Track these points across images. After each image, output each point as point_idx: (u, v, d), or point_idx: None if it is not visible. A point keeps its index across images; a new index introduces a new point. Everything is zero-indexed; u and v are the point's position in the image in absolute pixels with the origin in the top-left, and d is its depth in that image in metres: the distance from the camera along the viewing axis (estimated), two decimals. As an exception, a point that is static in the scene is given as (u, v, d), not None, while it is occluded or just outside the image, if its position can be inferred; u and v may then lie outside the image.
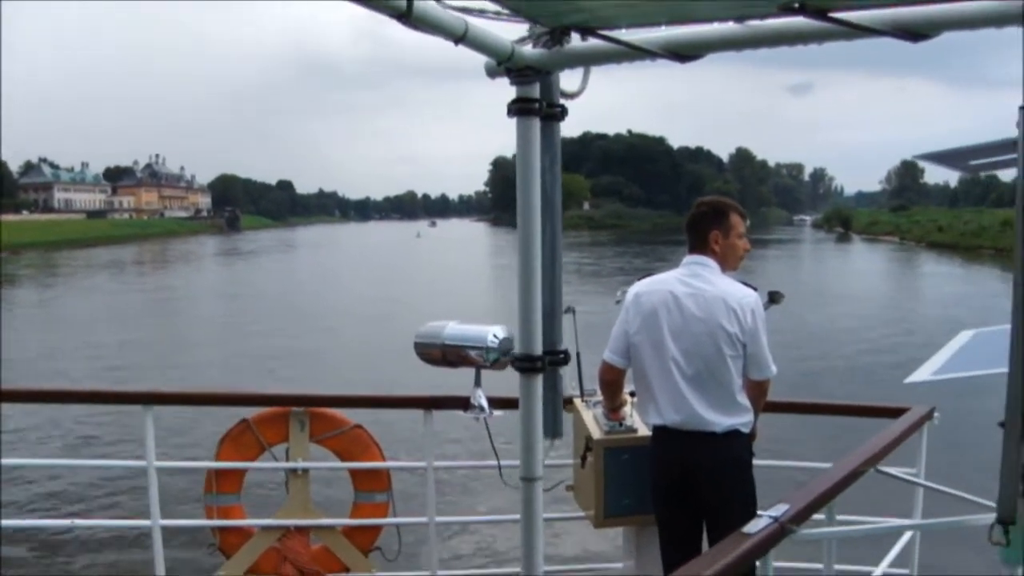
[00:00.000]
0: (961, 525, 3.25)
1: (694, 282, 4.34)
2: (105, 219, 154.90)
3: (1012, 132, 2.51)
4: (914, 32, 2.21)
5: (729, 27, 2.41)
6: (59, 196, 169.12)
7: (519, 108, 2.67)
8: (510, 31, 2.58)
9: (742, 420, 4.33)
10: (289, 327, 30.43)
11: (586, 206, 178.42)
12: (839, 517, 3.73)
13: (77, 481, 11.87)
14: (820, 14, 2.16)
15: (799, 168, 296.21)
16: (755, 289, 4.44)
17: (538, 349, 2.79)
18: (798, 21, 2.25)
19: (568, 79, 2.87)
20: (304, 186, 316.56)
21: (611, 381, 4.58)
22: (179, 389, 6.20)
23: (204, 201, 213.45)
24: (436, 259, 75.88)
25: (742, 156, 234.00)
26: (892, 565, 4.96)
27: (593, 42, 2.56)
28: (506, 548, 8.99)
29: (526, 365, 2.81)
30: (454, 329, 4.61)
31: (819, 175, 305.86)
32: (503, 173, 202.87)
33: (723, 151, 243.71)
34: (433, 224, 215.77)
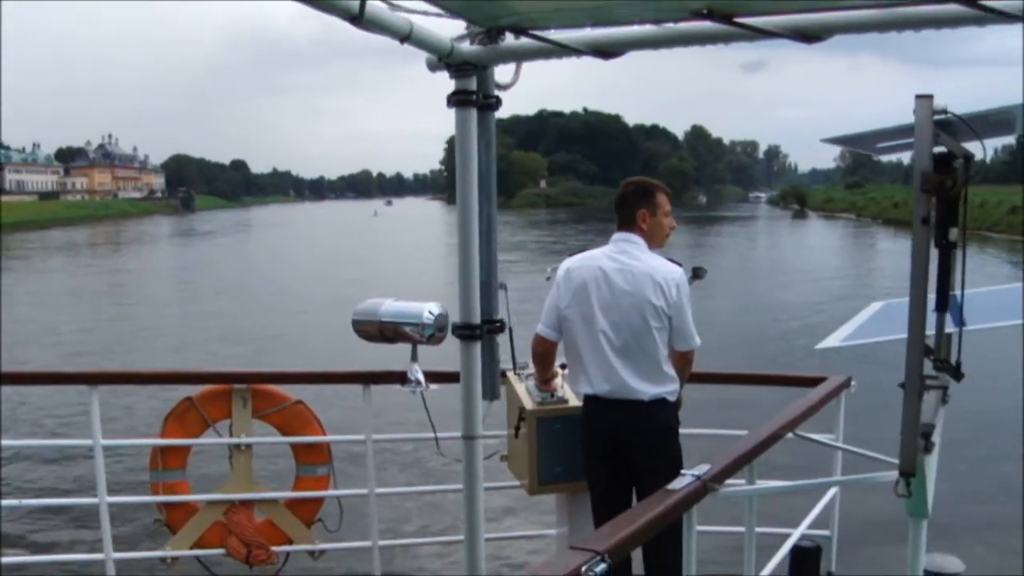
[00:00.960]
0: (870, 482, 3.44)
1: (622, 258, 4.52)
2: (58, 201, 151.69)
3: (958, 109, 2.72)
4: (809, 35, 2.39)
5: (647, 29, 2.61)
6: (10, 178, 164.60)
7: (458, 99, 2.86)
8: (450, 29, 2.76)
9: (668, 389, 4.53)
10: (250, 310, 30.17)
11: (543, 184, 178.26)
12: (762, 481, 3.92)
13: (24, 461, 11.85)
14: (726, 19, 2.35)
15: (754, 145, 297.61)
16: (680, 265, 4.62)
17: (476, 318, 2.95)
18: (706, 25, 2.44)
19: (502, 72, 3.04)
20: (258, 166, 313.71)
21: (543, 353, 4.74)
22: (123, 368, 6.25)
23: (158, 182, 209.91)
24: (393, 238, 75.50)
25: (697, 133, 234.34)
26: (812, 526, 5.18)
27: (525, 40, 2.73)
28: (445, 518, 9.16)
29: (466, 333, 2.98)
30: (391, 306, 4.74)
31: (773, 152, 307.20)
32: None
33: (679, 129, 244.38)
34: (389, 203, 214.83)
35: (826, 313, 26.07)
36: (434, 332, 4.76)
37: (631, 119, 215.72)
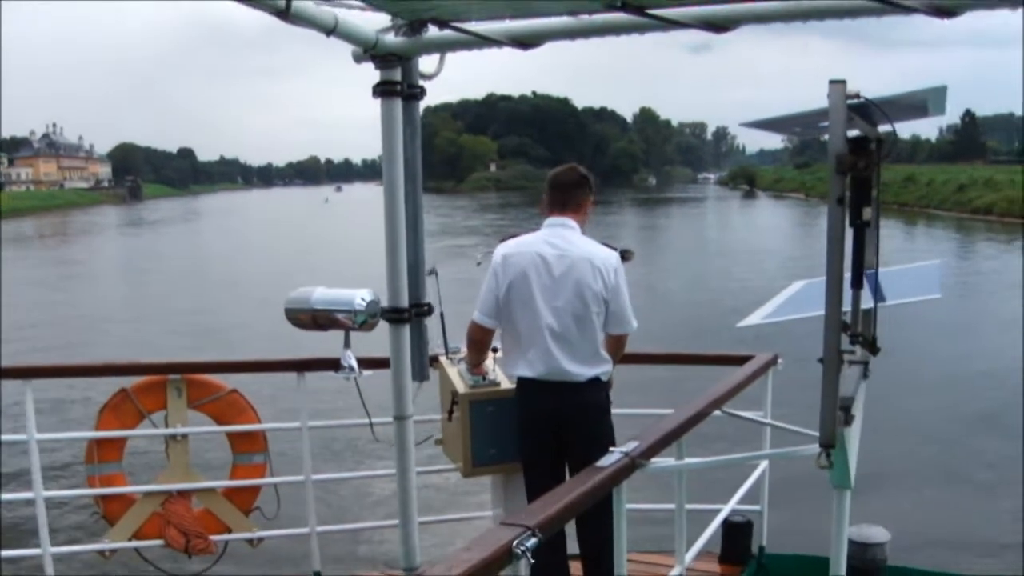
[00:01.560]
0: (794, 455, 3.50)
1: (559, 243, 4.59)
2: (2, 191, 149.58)
3: (902, 89, 2.80)
4: (716, 25, 2.46)
5: (564, 20, 2.67)
6: None
7: (383, 90, 2.90)
8: (375, 22, 2.80)
9: (603, 370, 4.63)
10: (204, 301, 29.69)
11: (493, 167, 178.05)
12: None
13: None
14: (638, 10, 2.41)
15: (702, 127, 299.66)
16: (624, 252, 4.73)
17: (404, 302, 2.99)
18: (621, 16, 2.51)
19: (427, 63, 3.08)
20: (205, 153, 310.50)
21: (480, 341, 4.79)
22: (56, 362, 6.19)
23: (104, 171, 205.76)
24: (346, 224, 75.07)
25: (646, 116, 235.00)
26: (744, 501, 5.29)
27: (448, 32, 2.77)
28: (381, 501, 9.19)
29: (394, 316, 3.02)
30: (322, 294, 4.77)
31: (721, 134, 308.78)
32: None
33: (627, 111, 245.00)
34: (339, 189, 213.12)
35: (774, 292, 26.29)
36: (366, 319, 4.80)
37: (580, 102, 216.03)
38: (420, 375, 3.23)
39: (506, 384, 4.95)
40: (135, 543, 5.33)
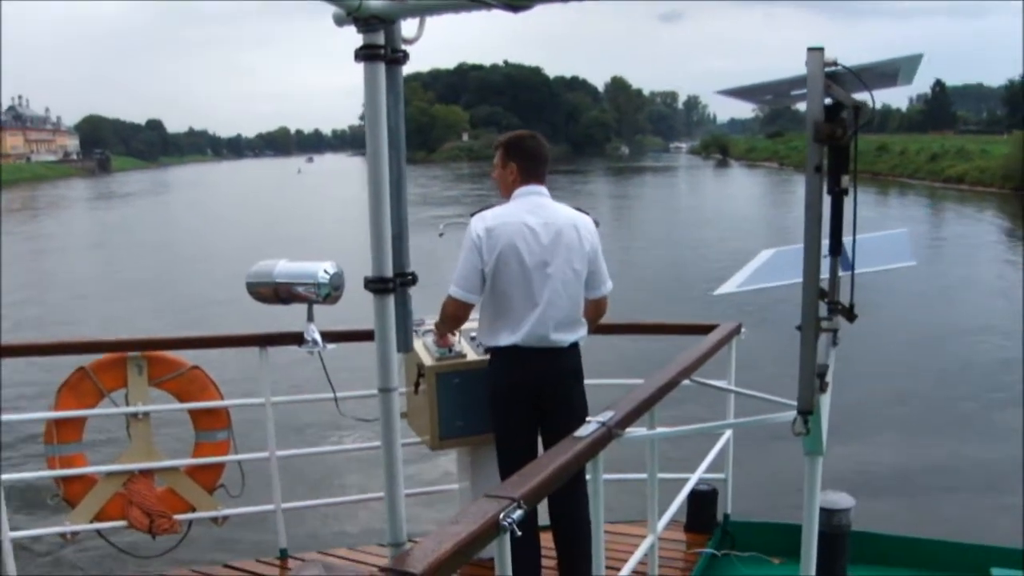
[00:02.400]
0: (768, 422, 3.51)
1: (542, 212, 4.57)
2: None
3: (873, 57, 2.76)
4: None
5: None
6: None
7: (366, 54, 2.85)
8: None
9: (582, 334, 4.66)
10: (178, 276, 29.35)
11: (465, 137, 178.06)
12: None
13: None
14: None
15: (673, 96, 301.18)
16: (587, 214, 4.72)
17: (389, 271, 2.94)
18: None
19: (409, 27, 3.00)
20: (174, 125, 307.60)
21: (458, 317, 4.69)
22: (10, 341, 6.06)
23: (72, 143, 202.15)
24: (320, 195, 74.85)
25: (617, 85, 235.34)
26: (709, 470, 5.28)
27: None
28: (346, 477, 9.15)
29: (379, 286, 2.98)
30: (285, 267, 4.69)
31: (693, 103, 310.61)
32: None
33: (599, 80, 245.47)
34: (310, 160, 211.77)
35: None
36: (330, 292, 4.72)
37: (551, 71, 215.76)
38: (404, 346, 3.18)
39: (472, 356, 4.94)
40: (97, 525, 5.24)
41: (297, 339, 4.81)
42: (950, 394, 14.15)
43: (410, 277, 3.18)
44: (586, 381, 4.75)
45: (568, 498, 4.47)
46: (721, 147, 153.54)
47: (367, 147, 2.96)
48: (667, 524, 5.29)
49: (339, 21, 2.84)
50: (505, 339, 4.57)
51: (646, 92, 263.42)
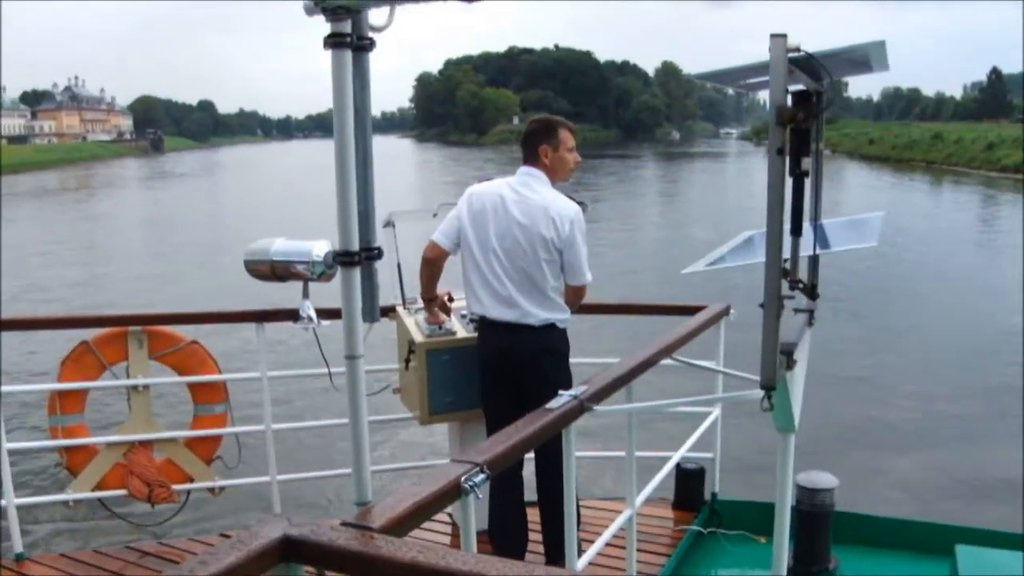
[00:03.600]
0: (740, 399, 3.67)
1: (523, 190, 4.68)
2: (28, 144, 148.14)
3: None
4: None
5: None
6: None
7: (333, 42, 2.94)
8: None
9: (558, 316, 4.72)
10: (233, 258, 29.58)
11: (516, 120, 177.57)
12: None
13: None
14: None
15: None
16: (581, 204, 4.78)
17: (355, 245, 3.06)
18: None
19: (377, 16, 3.11)
20: (225, 106, 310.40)
21: (433, 259, 4.82)
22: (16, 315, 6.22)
23: (126, 123, 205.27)
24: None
25: (668, 69, 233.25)
26: (698, 449, 5.34)
27: None
28: (340, 451, 9.24)
29: (345, 259, 3.12)
30: (281, 245, 4.78)
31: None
32: (429, 90, 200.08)
33: (648, 64, 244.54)
34: None
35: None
36: (324, 269, 4.82)
37: (602, 55, 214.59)
38: (371, 316, 3.30)
39: (462, 333, 5.05)
40: (98, 493, 5.39)
41: (293, 315, 4.93)
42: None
43: (376, 251, 3.29)
44: (584, 360, 4.92)
45: (548, 472, 4.58)
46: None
47: (334, 128, 3.07)
48: (654, 501, 5.41)
49: (308, 11, 2.95)
50: (475, 307, 4.75)
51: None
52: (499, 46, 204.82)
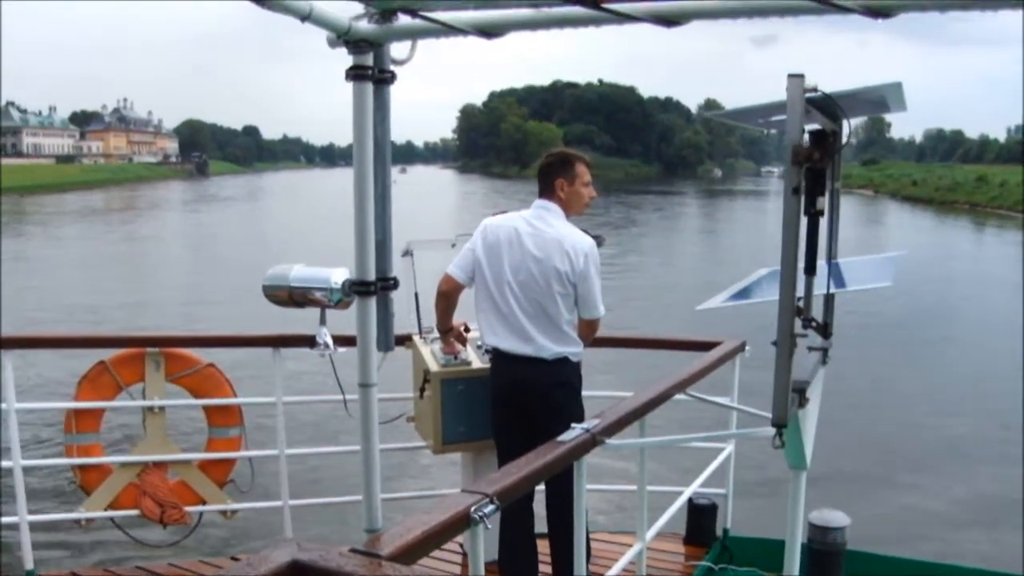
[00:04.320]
0: (751, 436, 3.72)
1: (537, 223, 4.69)
2: (75, 164, 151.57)
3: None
4: (669, 20, 2.53)
5: (525, 11, 2.74)
6: (28, 140, 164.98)
7: (355, 74, 3.02)
8: (348, 10, 2.89)
9: (571, 349, 4.70)
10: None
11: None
12: None
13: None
14: (593, 4, 2.51)
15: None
16: (596, 238, 4.78)
17: (371, 275, 3.09)
18: (578, 9, 2.59)
19: (399, 49, 3.15)
20: (269, 132, 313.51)
21: (448, 292, 4.83)
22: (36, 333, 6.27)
23: (172, 146, 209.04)
24: (415, 206, 75.35)
25: (711, 106, 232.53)
26: (711, 485, 5.31)
27: (417, 20, 2.85)
28: (352, 477, 9.20)
29: (361, 289, 3.16)
30: (300, 271, 4.83)
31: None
32: (472, 121, 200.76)
33: (691, 101, 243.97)
34: (403, 171, 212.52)
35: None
36: (342, 297, 4.85)
37: (645, 91, 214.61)
38: (385, 345, 3.33)
39: (477, 364, 5.07)
40: (111, 513, 5.40)
41: (309, 341, 4.96)
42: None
43: (391, 281, 3.32)
44: (597, 393, 4.94)
45: (559, 504, 4.53)
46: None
47: (354, 159, 3.12)
48: (666, 536, 5.38)
49: (331, 43, 3.01)
50: (490, 339, 4.75)
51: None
52: (543, 79, 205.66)
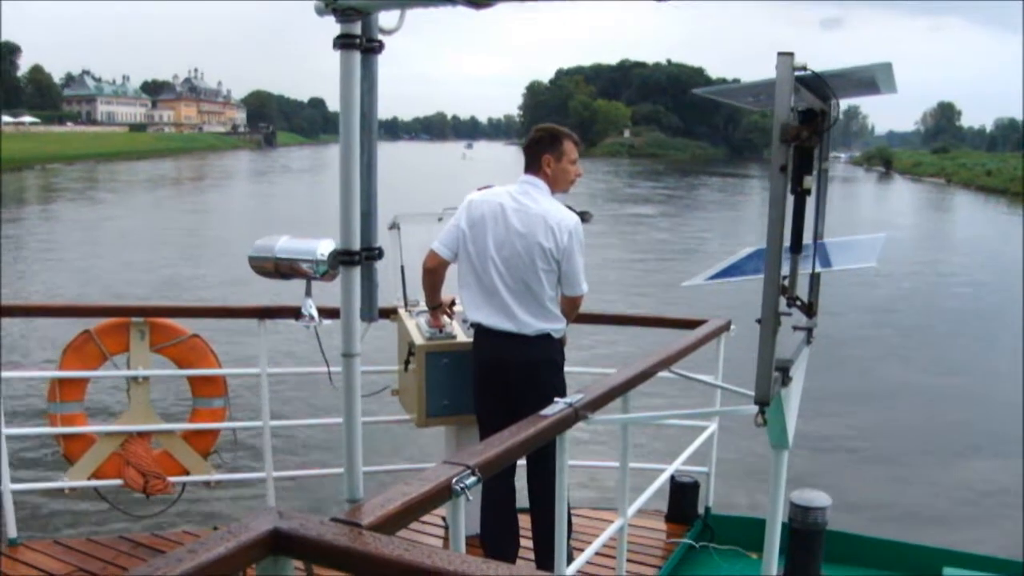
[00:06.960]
0: (734, 413, 3.72)
1: (522, 199, 4.67)
2: (147, 132, 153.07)
3: None
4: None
5: None
6: (102, 109, 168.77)
7: (342, 43, 2.96)
8: None
9: (553, 326, 4.71)
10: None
11: (627, 134, 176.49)
12: None
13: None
14: None
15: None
16: (582, 215, 4.78)
17: (356, 245, 3.08)
18: None
19: (388, 18, 3.13)
20: (334, 103, 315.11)
21: (432, 269, 4.82)
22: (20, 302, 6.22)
23: (240, 117, 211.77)
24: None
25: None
26: (693, 463, 5.33)
27: None
28: (336, 449, 9.18)
29: (345, 259, 3.13)
30: (286, 243, 4.81)
31: (852, 112, 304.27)
32: (539, 98, 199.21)
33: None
34: (469, 146, 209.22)
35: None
36: (327, 269, 4.84)
37: (713, 72, 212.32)
38: (369, 316, 3.31)
39: (462, 337, 5.06)
40: (94, 482, 5.40)
41: (294, 313, 4.95)
42: None
43: (376, 251, 3.32)
44: (580, 369, 4.96)
45: (542, 480, 4.58)
46: (885, 159, 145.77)
47: (340, 129, 3.09)
48: (647, 513, 5.40)
49: (319, 12, 2.98)
50: (473, 315, 4.74)
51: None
52: (610, 58, 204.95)
